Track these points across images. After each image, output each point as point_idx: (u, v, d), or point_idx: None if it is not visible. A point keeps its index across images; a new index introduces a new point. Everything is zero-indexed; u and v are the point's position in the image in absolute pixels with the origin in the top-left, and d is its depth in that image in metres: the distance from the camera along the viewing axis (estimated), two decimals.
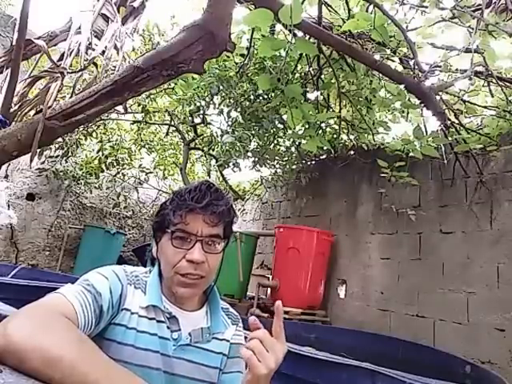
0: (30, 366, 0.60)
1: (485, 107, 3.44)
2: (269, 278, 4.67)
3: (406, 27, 2.91)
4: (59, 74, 2.23)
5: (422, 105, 3.02)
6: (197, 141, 4.91)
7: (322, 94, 3.81)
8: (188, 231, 0.93)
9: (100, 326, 0.85)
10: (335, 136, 4.24)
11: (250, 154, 4.20)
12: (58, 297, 0.79)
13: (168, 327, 0.94)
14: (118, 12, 2.82)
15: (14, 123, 2.12)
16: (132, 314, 0.91)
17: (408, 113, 3.68)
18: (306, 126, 3.31)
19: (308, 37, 2.87)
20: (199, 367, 0.95)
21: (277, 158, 4.54)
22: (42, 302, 0.76)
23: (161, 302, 0.94)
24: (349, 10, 3.00)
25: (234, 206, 1.01)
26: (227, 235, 0.99)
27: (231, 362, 1.02)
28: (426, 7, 2.89)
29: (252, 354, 0.76)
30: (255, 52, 3.56)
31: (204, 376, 0.96)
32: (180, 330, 0.95)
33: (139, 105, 4.54)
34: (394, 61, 3.38)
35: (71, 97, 2.29)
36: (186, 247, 0.92)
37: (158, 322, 0.93)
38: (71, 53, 2.39)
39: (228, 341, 1.03)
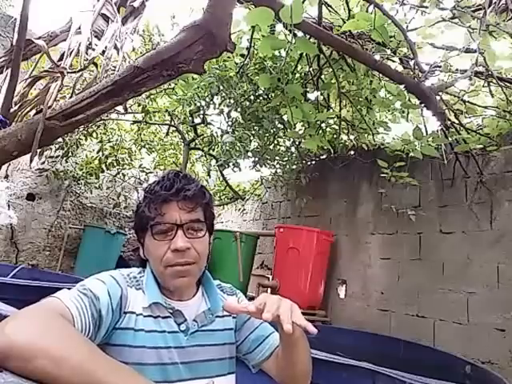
0: (36, 366, 0.59)
1: (485, 107, 3.43)
2: (269, 278, 4.67)
3: (406, 27, 2.90)
4: (59, 74, 2.24)
5: (422, 105, 3.02)
6: (197, 141, 4.90)
7: (322, 93, 3.80)
8: (166, 221, 0.92)
9: (101, 331, 0.84)
10: (335, 136, 4.23)
11: (250, 153, 4.20)
12: (54, 300, 0.78)
13: (175, 321, 0.94)
14: (118, 12, 2.82)
15: (14, 123, 2.12)
16: (137, 315, 0.91)
17: (408, 113, 3.68)
18: (306, 126, 3.31)
19: (308, 37, 2.87)
20: (210, 348, 0.97)
21: (277, 158, 4.53)
22: (39, 305, 0.75)
23: (161, 298, 0.95)
24: (349, 10, 2.99)
25: (206, 188, 1.01)
26: (208, 218, 0.99)
27: (246, 325, 1.06)
28: (426, 7, 2.89)
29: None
30: (255, 52, 3.55)
31: (217, 354, 0.98)
32: (186, 320, 0.96)
33: (139, 105, 4.53)
34: (394, 61, 3.37)
35: (71, 97, 2.29)
36: (169, 238, 0.93)
37: (164, 318, 0.94)
38: (71, 53, 2.39)
39: (230, 315, 1.04)
